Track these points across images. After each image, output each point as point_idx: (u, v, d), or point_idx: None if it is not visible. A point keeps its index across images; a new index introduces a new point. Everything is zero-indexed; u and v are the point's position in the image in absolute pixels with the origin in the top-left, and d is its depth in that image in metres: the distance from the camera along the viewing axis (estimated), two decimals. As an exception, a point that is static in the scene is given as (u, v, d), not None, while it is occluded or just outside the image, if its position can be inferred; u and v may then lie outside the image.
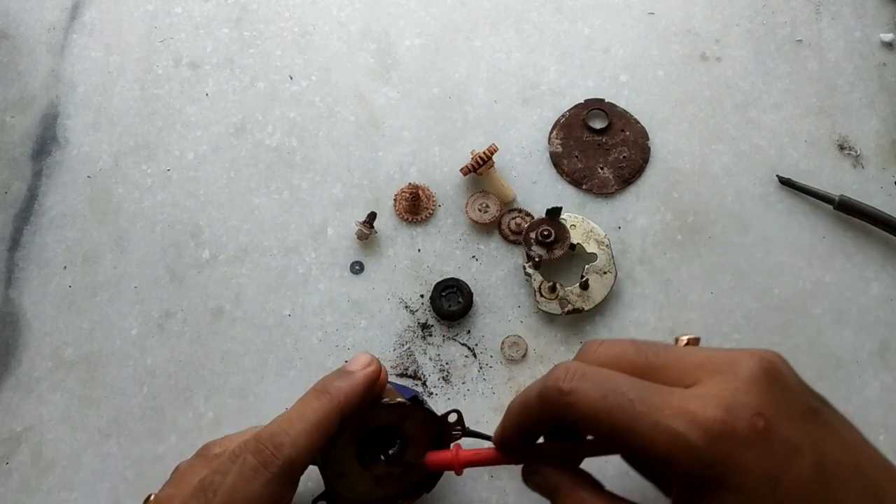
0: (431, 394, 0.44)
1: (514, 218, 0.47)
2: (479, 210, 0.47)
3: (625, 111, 0.50)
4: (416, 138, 0.50)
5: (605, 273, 0.45)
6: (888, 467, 0.28)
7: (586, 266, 0.45)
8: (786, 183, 0.48)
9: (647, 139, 0.50)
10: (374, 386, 0.35)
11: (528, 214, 0.48)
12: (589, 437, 0.33)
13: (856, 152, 0.49)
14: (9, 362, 0.45)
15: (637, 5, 0.53)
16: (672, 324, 0.45)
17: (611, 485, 0.31)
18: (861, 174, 0.48)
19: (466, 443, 0.41)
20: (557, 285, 0.45)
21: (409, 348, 0.45)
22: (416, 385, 0.44)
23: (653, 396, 0.27)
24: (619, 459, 0.29)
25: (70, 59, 0.53)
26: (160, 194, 0.49)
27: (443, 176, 0.49)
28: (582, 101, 0.51)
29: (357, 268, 0.47)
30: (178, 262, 0.47)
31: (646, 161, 0.49)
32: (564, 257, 0.46)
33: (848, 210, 0.46)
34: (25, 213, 0.49)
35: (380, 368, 0.35)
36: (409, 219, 0.48)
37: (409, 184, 0.49)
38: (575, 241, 0.46)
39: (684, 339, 0.32)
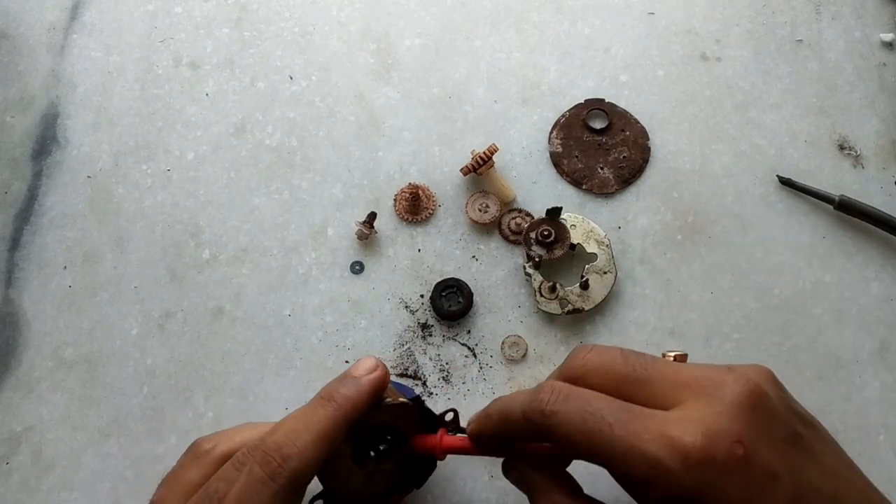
0: (431, 394, 0.44)
1: (514, 218, 0.47)
2: (480, 210, 0.47)
3: (625, 111, 0.50)
4: (416, 138, 0.50)
5: (605, 273, 0.45)
6: (868, 494, 0.28)
7: (586, 266, 0.45)
8: (786, 183, 0.48)
9: (647, 139, 0.50)
10: (379, 390, 0.34)
11: (528, 214, 0.48)
12: None
13: (856, 152, 0.49)
14: (9, 362, 0.45)
15: (637, 5, 0.53)
16: (672, 324, 0.45)
17: (599, 484, 0.31)
18: (861, 174, 0.48)
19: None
20: (557, 285, 0.45)
21: (409, 348, 0.45)
22: (416, 385, 0.44)
23: (632, 421, 0.27)
24: None
25: (70, 59, 0.53)
26: (160, 194, 0.49)
27: (443, 176, 0.49)
28: (582, 101, 0.51)
29: (357, 268, 0.47)
30: (178, 262, 0.47)
31: (646, 161, 0.49)
32: (564, 257, 0.46)
33: (848, 210, 0.46)
34: (25, 213, 0.49)
35: (386, 373, 0.35)
36: (409, 219, 0.48)
37: (409, 184, 0.49)
38: (575, 241, 0.46)
39: (671, 354, 0.32)
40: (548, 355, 0.45)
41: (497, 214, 0.47)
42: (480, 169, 0.47)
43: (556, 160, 0.49)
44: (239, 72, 0.52)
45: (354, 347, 0.45)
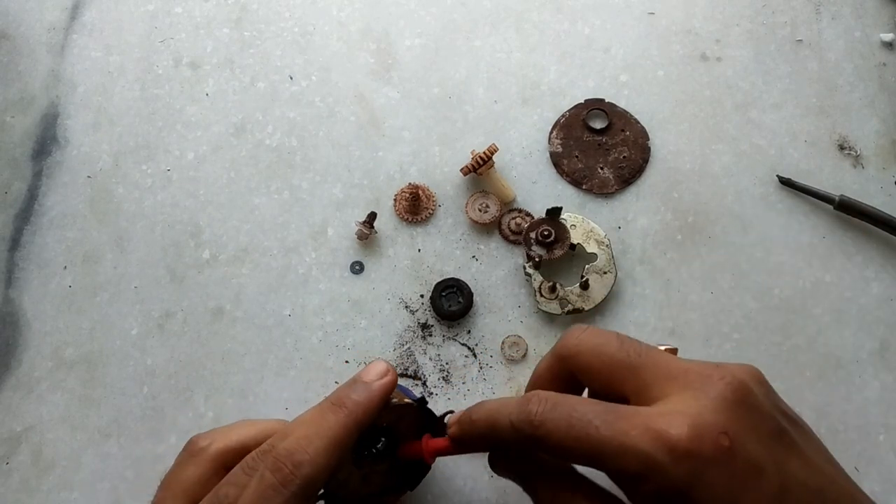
0: (431, 394, 0.44)
1: (514, 218, 0.47)
2: (480, 210, 0.47)
3: (625, 111, 0.50)
4: (416, 138, 0.50)
5: (605, 273, 0.45)
6: (851, 491, 0.29)
7: (586, 266, 0.45)
8: (786, 183, 0.48)
9: (647, 139, 0.50)
10: (389, 395, 0.34)
11: (528, 214, 0.48)
12: None
13: (856, 152, 0.49)
14: (9, 362, 0.45)
15: (637, 5, 0.53)
16: (672, 324, 0.45)
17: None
18: (861, 174, 0.48)
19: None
20: (557, 285, 0.45)
21: (409, 348, 0.45)
22: (416, 385, 0.44)
23: (617, 420, 0.27)
24: None
25: (70, 59, 0.53)
26: (160, 194, 0.49)
27: (443, 176, 0.49)
28: (582, 101, 0.51)
29: (357, 268, 0.47)
30: (178, 262, 0.47)
31: (646, 161, 0.49)
32: (564, 257, 0.46)
33: (848, 210, 0.46)
34: (25, 213, 0.49)
35: (395, 378, 0.34)
36: (410, 219, 0.48)
37: (410, 184, 0.49)
38: (575, 241, 0.46)
39: (662, 347, 0.32)
40: (548, 355, 0.45)
41: (497, 214, 0.47)
42: (480, 169, 0.47)
43: (556, 160, 0.49)
44: (239, 72, 0.52)
45: (354, 347, 0.45)
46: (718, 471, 0.26)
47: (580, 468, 0.32)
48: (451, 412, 0.37)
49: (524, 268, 0.46)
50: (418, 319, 0.46)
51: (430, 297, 0.46)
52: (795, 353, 0.44)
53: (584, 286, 0.45)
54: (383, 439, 0.35)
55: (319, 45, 0.53)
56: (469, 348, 0.45)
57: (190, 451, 0.34)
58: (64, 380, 0.45)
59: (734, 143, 0.49)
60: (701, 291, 0.46)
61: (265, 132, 0.51)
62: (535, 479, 0.31)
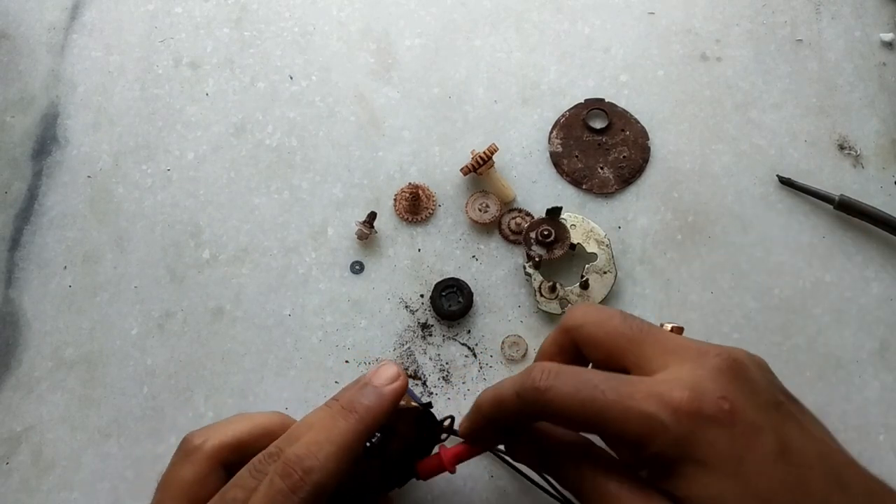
0: (432, 393, 0.44)
1: (514, 218, 0.47)
2: (479, 210, 0.47)
3: (625, 111, 0.50)
4: (416, 138, 0.50)
5: (605, 273, 0.45)
6: (852, 460, 0.29)
7: (586, 266, 0.45)
8: (786, 183, 0.48)
9: (647, 139, 0.50)
10: (399, 400, 0.34)
11: (528, 214, 0.48)
12: None
13: (856, 152, 0.49)
14: (9, 362, 0.45)
15: (637, 5, 0.53)
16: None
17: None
18: (861, 174, 0.48)
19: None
20: (557, 285, 0.45)
21: (409, 348, 0.45)
22: (416, 385, 0.44)
23: (622, 385, 0.29)
24: None
25: (70, 59, 0.53)
26: (160, 194, 0.49)
27: (443, 176, 0.49)
28: (582, 100, 0.51)
29: (357, 268, 0.47)
30: (178, 262, 0.47)
31: (646, 161, 0.49)
32: (564, 257, 0.46)
33: (848, 210, 0.46)
34: (25, 213, 0.49)
35: (406, 383, 0.34)
36: (409, 219, 0.48)
37: (409, 184, 0.49)
38: (575, 241, 0.46)
39: (668, 326, 0.34)
40: (548, 355, 0.45)
41: (497, 214, 0.47)
42: (480, 169, 0.47)
43: (556, 160, 0.49)
44: (239, 72, 0.52)
45: (354, 347, 0.45)
46: (721, 431, 0.27)
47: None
48: (452, 417, 0.37)
49: (524, 267, 0.46)
50: (418, 319, 0.46)
51: (430, 297, 0.46)
52: (795, 353, 0.44)
53: (584, 286, 0.45)
54: (378, 435, 0.35)
55: (319, 45, 0.53)
56: (469, 348, 0.45)
57: (185, 449, 0.33)
58: (64, 380, 0.45)
59: (734, 143, 0.49)
60: (701, 291, 0.46)
61: (265, 132, 0.51)
62: (556, 458, 0.32)
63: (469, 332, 0.45)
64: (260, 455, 0.31)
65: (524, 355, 0.45)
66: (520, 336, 0.45)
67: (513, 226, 0.47)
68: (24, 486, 0.43)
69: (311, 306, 0.46)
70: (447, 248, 0.47)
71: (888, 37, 0.52)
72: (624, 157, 0.49)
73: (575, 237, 0.46)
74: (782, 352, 0.44)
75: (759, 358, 0.31)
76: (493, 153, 0.47)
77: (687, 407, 0.27)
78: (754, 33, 0.53)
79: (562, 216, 0.46)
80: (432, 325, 0.46)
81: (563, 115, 0.51)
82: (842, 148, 0.49)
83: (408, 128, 0.51)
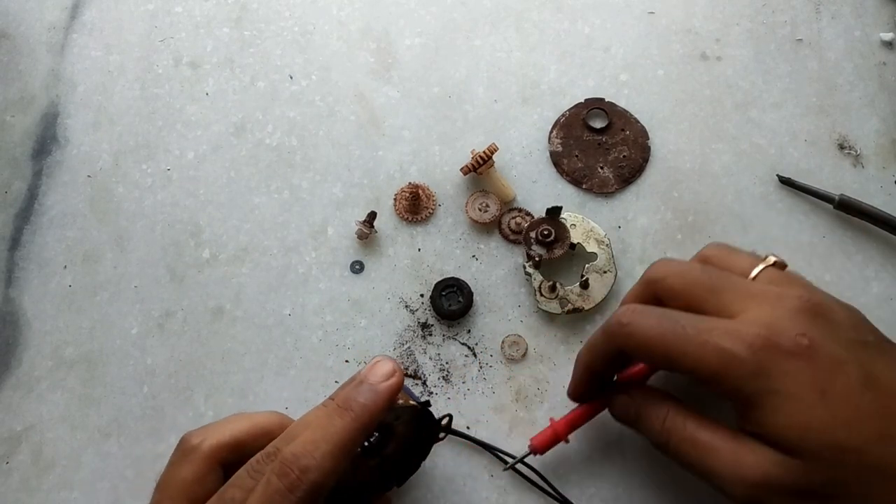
0: (431, 393, 0.44)
1: (514, 217, 0.47)
2: (479, 209, 0.47)
3: (625, 110, 0.50)
4: (416, 137, 0.50)
5: (605, 272, 0.45)
6: None
7: (586, 265, 0.45)
8: (786, 182, 0.48)
9: (648, 138, 0.50)
10: (395, 397, 0.34)
11: (528, 214, 0.48)
12: None
13: (856, 152, 0.49)
14: (9, 362, 0.45)
15: (637, 4, 0.53)
16: (672, 323, 0.45)
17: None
18: (861, 173, 0.48)
19: (458, 442, 0.42)
20: (557, 285, 0.45)
21: (409, 348, 0.45)
22: (416, 384, 0.44)
23: (701, 322, 0.30)
24: None
25: (70, 59, 0.53)
26: (160, 194, 0.49)
27: (443, 175, 0.49)
28: (582, 100, 0.51)
29: (357, 267, 0.47)
30: (178, 262, 0.47)
31: (646, 160, 0.49)
32: (564, 257, 0.46)
33: (848, 209, 0.46)
34: (25, 212, 0.49)
35: (402, 379, 0.34)
36: (409, 218, 0.48)
37: (410, 183, 0.49)
38: (575, 241, 0.46)
39: (772, 259, 0.34)
40: (548, 355, 0.45)
41: (497, 214, 0.47)
42: (480, 168, 0.47)
43: (556, 159, 0.49)
44: (239, 71, 0.52)
45: (354, 347, 0.45)
46: (800, 363, 0.28)
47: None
48: (450, 416, 0.37)
49: (524, 267, 0.46)
50: (418, 319, 0.46)
51: (430, 297, 0.46)
52: (795, 353, 0.44)
53: (584, 285, 0.45)
54: (377, 434, 0.35)
55: (319, 45, 0.53)
56: (469, 348, 0.45)
57: (183, 449, 0.33)
58: (64, 379, 0.45)
59: (734, 143, 0.49)
60: (701, 291, 0.46)
61: (265, 131, 0.51)
62: (648, 411, 0.34)
63: (469, 331, 0.45)
64: (258, 455, 0.31)
65: (524, 355, 0.45)
66: (520, 335, 0.45)
67: (513, 225, 0.47)
68: (24, 485, 0.43)
69: (311, 306, 0.46)
70: (447, 248, 0.47)
71: (888, 36, 0.52)
72: (624, 156, 0.49)
73: (575, 237, 0.46)
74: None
75: (850, 306, 0.32)
76: (493, 153, 0.47)
77: (762, 342, 0.28)
78: (754, 33, 0.53)
79: (562, 216, 0.46)
80: (432, 325, 0.46)
81: (563, 115, 0.51)
82: (842, 147, 0.49)
83: (408, 127, 0.51)
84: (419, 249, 0.47)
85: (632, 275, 0.46)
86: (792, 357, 0.28)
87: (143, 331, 0.46)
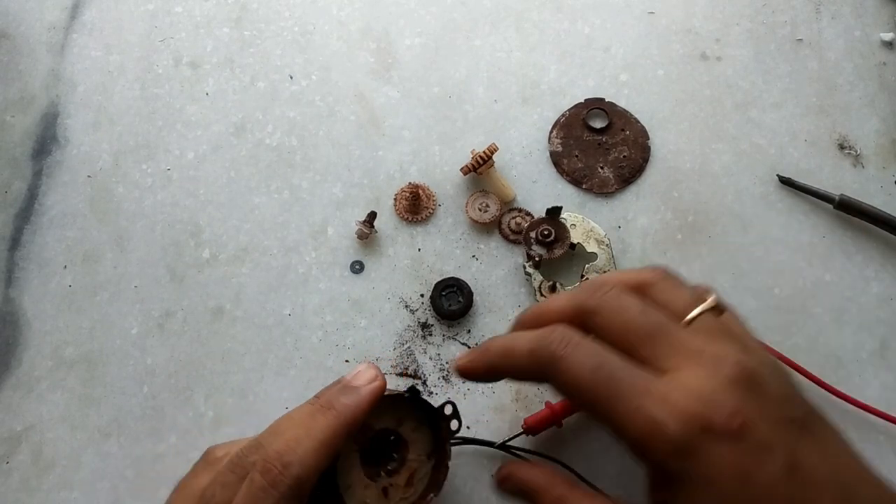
0: (431, 393, 0.44)
1: (514, 217, 0.47)
2: (479, 209, 0.47)
3: (625, 110, 0.50)
4: (416, 137, 0.50)
5: (605, 272, 0.45)
6: (868, 476, 0.28)
7: (586, 265, 0.45)
8: (786, 182, 0.48)
9: (648, 138, 0.50)
10: (377, 399, 0.34)
11: (528, 214, 0.48)
12: None
13: (856, 152, 0.49)
14: (9, 362, 0.45)
15: (637, 4, 0.53)
16: (672, 323, 0.45)
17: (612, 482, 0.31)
18: (861, 173, 0.48)
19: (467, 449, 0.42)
20: (558, 285, 0.45)
21: (409, 347, 0.45)
22: (416, 385, 0.44)
23: (640, 380, 0.28)
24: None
25: (70, 59, 0.53)
26: (160, 194, 0.49)
27: (443, 175, 0.49)
28: (582, 100, 0.51)
29: (357, 267, 0.47)
30: (178, 262, 0.47)
31: (646, 160, 0.49)
32: (564, 257, 0.46)
33: (848, 209, 0.46)
34: (25, 212, 0.49)
35: (385, 382, 0.35)
36: (410, 218, 0.48)
37: (410, 183, 0.49)
38: (575, 241, 0.46)
39: (712, 301, 0.31)
40: (548, 355, 0.45)
41: (497, 214, 0.47)
42: (480, 168, 0.47)
43: (556, 159, 0.49)
44: (239, 71, 0.52)
45: (354, 347, 0.45)
46: (727, 447, 0.26)
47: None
48: (449, 403, 0.37)
49: (524, 267, 0.46)
50: (418, 319, 0.46)
51: (430, 297, 0.46)
52: (795, 353, 0.44)
53: (584, 285, 0.45)
54: (395, 455, 0.35)
55: (319, 45, 0.53)
56: (469, 347, 0.45)
57: (207, 460, 0.34)
58: (64, 379, 0.45)
59: (734, 143, 0.49)
60: (701, 291, 0.46)
61: (265, 131, 0.51)
62: (542, 492, 0.32)
63: (469, 331, 0.45)
64: (239, 450, 0.32)
65: (524, 355, 0.45)
66: (520, 335, 0.45)
67: (513, 225, 0.47)
68: (24, 485, 0.43)
69: (311, 306, 0.46)
70: (447, 248, 0.47)
71: (888, 36, 0.52)
72: (624, 156, 0.49)
73: (575, 237, 0.46)
74: (782, 351, 0.44)
75: (781, 366, 0.30)
76: (493, 153, 0.47)
77: (696, 420, 0.26)
78: (754, 33, 0.53)
79: (562, 216, 0.46)
80: (432, 325, 0.46)
81: (563, 115, 0.51)
82: (842, 147, 0.49)
83: (408, 127, 0.51)
84: (419, 249, 0.47)
85: (632, 275, 0.46)
86: (721, 439, 0.26)
87: (143, 331, 0.46)
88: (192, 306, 0.46)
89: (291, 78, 0.52)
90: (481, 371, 0.33)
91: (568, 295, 0.33)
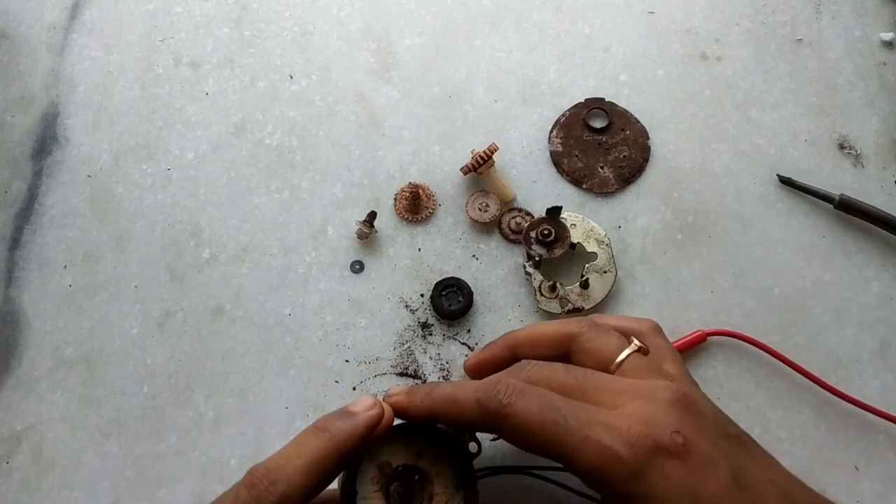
0: (431, 393, 0.44)
1: (514, 217, 0.47)
2: (480, 209, 0.47)
3: (625, 110, 0.50)
4: (416, 137, 0.50)
5: (605, 272, 0.45)
6: (802, 485, 0.31)
7: (586, 265, 0.45)
8: (786, 182, 0.48)
9: (648, 138, 0.50)
10: (376, 429, 0.34)
11: (528, 214, 0.48)
12: None
13: (856, 151, 0.49)
14: (9, 362, 0.45)
15: (637, 4, 0.53)
16: (672, 323, 0.45)
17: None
18: (861, 173, 0.48)
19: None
20: (557, 284, 0.45)
21: (409, 347, 0.45)
22: (416, 384, 0.44)
23: (583, 413, 0.29)
24: None
25: (70, 59, 0.53)
26: (160, 194, 0.49)
27: (443, 175, 0.49)
28: (582, 100, 0.51)
29: (357, 267, 0.47)
30: (178, 262, 0.47)
31: (646, 160, 0.49)
32: (564, 256, 0.46)
33: (848, 209, 0.46)
34: (25, 212, 0.49)
35: (382, 412, 0.34)
36: (410, 218, 0.48)
37: (410, 183, 0.49)
38: (575, 241, 0.46)
39: (637, 344, 0.34)
40: (548, 354, 0.45)
41: (497, 214, 0.47)
42: (480, 168, 0.47)
43: (557, 159, 0.49)
44: (239, 71, 0.52)
45: (354, 347, 0.45)
46: (675, 464, 0.28)
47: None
48: (474, 440, 0.36)
49: (524, 267, 0.46)
50: (418, 318, 0.46)
51: (430, 297, 0.46)
52: (795, 353, 0.44)
53: (584, 285, 0.45)
54: (422, 491, 0.34)
55: (319, 45, 0.53)
56: (469, 347, 0.45)
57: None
58: (64, 379, 0.45)
59: (734, 143, 0.49)
60: (701, 291, 0.46)
61: (265, 131, 0.51)
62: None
63: (469, 331, 0.45)
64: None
65: (524, 355, 0.45)
66: (520, 335, 0.45)
67: (513, 225, 0.47)
68: (24, 485, 0.43)
69: (311, 306, 0.46)
70: (447, 248, 0.47)
71: (888, 36, 0.52)
72: (624, 156, 0.49)
73: (575, 237, 0.46)
74: (782, 351, 0.44)
75: (697, 389, 0.33)
76: (493, 152, 0.47)
77: (644, 442, 0.28)
78: (754, 33, 0.53)
79: (562, 215, 0.46)
80: (432, 325, 0.46)
81: (563, 115, 0.51)
82: (842, 147, 0.49)
83: (408, 127, 0.51)
84: (419, 249, 0.47)
85: (632, 275, 0.46)
86: (668, 457, 0.28)
87: (143, 331, 0.46)
88: (192, 306, 0.46)
89: (291, 78, 0.52)
90: (422, 414, 0.34)
91: (496, 378, 0.33)
